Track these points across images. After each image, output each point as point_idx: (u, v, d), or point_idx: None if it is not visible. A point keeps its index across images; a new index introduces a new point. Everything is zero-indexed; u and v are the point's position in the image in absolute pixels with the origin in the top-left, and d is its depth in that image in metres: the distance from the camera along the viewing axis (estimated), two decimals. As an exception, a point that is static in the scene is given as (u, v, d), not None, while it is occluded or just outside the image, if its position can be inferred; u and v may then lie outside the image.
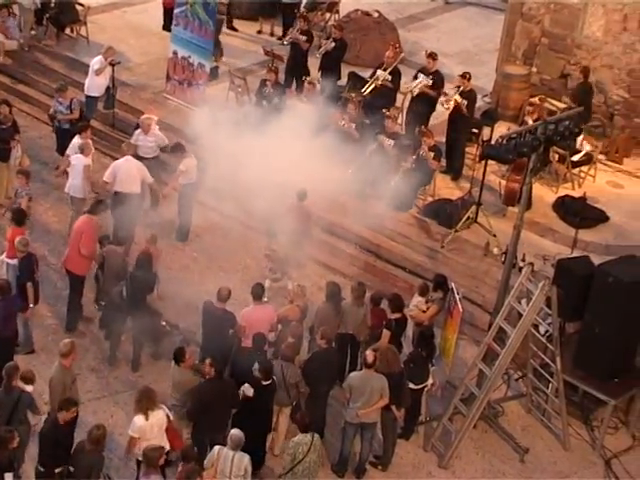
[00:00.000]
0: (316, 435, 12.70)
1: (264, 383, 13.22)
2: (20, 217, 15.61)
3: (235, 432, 12.31)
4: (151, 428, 12.56)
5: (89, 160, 17.27)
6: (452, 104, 18.87)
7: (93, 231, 15.63)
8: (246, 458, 12.25)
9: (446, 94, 19.14)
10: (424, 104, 19.65)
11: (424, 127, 18.91)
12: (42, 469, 12.29)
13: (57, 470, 12.24)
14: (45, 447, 12.26)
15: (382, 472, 14.12)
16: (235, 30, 24.70)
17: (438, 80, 19.61)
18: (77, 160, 17.23)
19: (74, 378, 13.29)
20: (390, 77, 20.04)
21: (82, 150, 17.24)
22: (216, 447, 12.36)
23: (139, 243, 16.59)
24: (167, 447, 12.63)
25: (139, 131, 18.21)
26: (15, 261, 15.17)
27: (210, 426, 13.05)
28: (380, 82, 19.98)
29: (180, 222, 17.98)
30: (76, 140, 17.57)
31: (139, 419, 12.49)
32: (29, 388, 12.86)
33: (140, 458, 12.44)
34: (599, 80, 20.54)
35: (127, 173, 17.10)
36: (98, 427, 12.15)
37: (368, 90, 20.08)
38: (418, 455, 14.48)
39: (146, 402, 12.55)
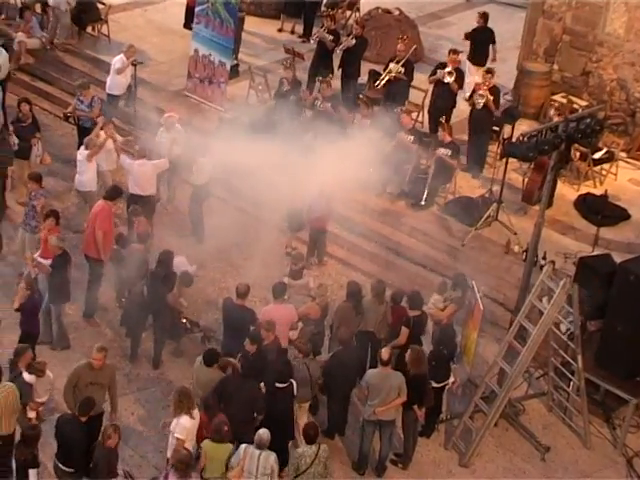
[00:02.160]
0: (322, 446, 12.58)
1: (279, 386, 13.21)
2: (55, 215, 15.75)
3: (261, 431, 12.29)
4: (194, 428, 12.56)
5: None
6: (484, 100, 18.83)
7: (107, 214, 15.86)
8: (272, 457, 12.24)
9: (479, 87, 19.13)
10: (446, 100, 19.67)
11: (444, 120, 18.92)
12: (62, 467, 12.35)
13: (72, 469, 12.31)
14: (62, 445, 12.34)
15: (403, 470, 14.10)
16: None
17: (459, 75, 19.66)
18: (82, 155, 17.33)
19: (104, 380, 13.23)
20: (402, 69, 20.07)
21: (86, 146, 17.31)
22: (242, 446, 12.34)
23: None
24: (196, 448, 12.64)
25: (162, 129, 18.25)
26: (49, 261, 15.29)
27: (230, 422, 12.93)
28: (393, 74, 19.99)
29: (192, 223, 18.02)
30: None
31: (186, 420, 12.41)
32: (27, 377, 12.87)
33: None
34: (621, 77, 20.47)
35: (143, 177, 17.18)
36: (111, 425, 12.24)
37: (382, 83, 20.09)
38: (439, 453, 14.46)
39: (187, 402, 12.49)
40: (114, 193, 16.20)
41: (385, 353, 13.45)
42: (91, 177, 17.45)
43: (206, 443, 12.47)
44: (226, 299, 14.75)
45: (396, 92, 20.23)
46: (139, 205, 16.84)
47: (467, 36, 21.48)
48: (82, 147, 17.47)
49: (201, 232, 17.87)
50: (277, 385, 13.20)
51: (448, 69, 19.62)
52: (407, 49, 20.36)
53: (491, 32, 21.33)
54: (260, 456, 12.20)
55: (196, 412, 12.61)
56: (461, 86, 19.77)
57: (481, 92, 18.92)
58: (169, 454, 12.62)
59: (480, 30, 21.32)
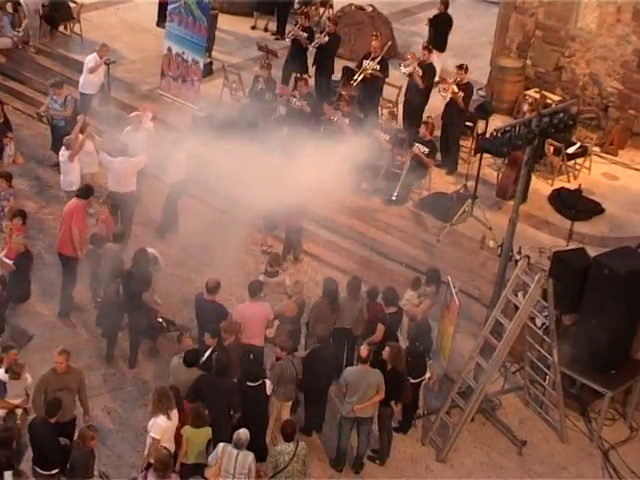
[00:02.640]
0: (301, 443, 12.61)
1: (250, 384, 13.21)
2: (22, 215, 15.85)
3: (241, 431, 12.28)
4: (172, 428, 12.53)
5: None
6: (450, 93, 18.89)
7: (82, 211, 15.80)
8: (250, 456, 12.24)
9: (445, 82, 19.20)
10: (417, 96, 19.71)
11: (427, 118, 19.01)
12: (39, 470, 12.29)
13: (53, 471, 12.26)
14: (36, 448, 12.30)
15: (380, 466, 14.13)
16: None
17: (429, 72, 19.71)
18: (64, 156, 17.26)
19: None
20: (378, 67, 20.10)
21: (67, 146, 17.23)
22: (220, 444, 12.34)
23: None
24: (173, 448, 12.63)
25: (129, 128, 18.19)
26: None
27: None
28: (369, 72, 20.02)
29: (162, 218, 17.97)
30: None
31: (163, 420, 12.38)
32: (0, 374, 12.87)
33: (150, 460, 12.30)
34: (593, 72, 20.58)
35: (123, 174, 17.13)
36: (89, 427, 12.24)
37: (358, 80, 20.11)
38: (416, 449, 14.49)
39: (166, 402, 12.45)
40: (87, 192, 16.06)
41: (364, 350, 13.47)
42: (76, 176, 17.36)
43: (186, 429, 12.58)
44: (198, 295, 14.74)
45: (371, 89, 20.24)
46: (118, 203, 16.84)
47: (430, 22, 21.78)
48: (63, 148, 17.33)
49: (175, 230, 17.84)
50: (248, 384, 13.21)
51: (407, 62, 19.78)
52: (382, 46, 20.37)
53: (450, 19, 21.63)
54: (238, 455, 12.19)
55: (174, 413, 12.56)
56: (430, 82, 19.74)
57: (442, 86, 19.03)
58: (146, 454, 12.61)
59: (440, 17, 21.66)
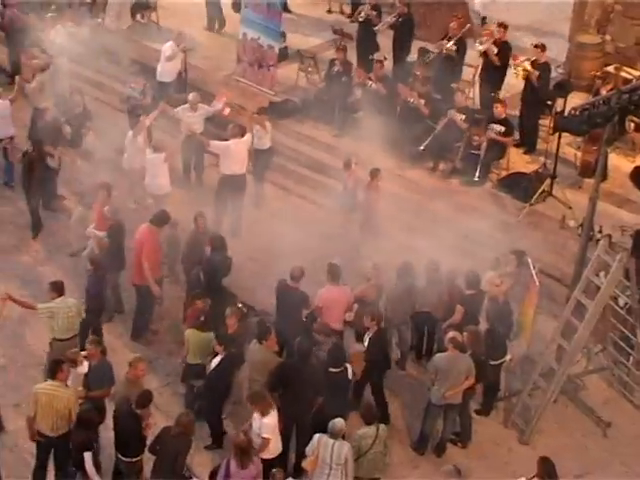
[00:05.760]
0: (381, 426, 12.56)
1: (333, 370, 13.23)
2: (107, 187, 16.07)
3: (336, 420, 12.22)
4: (275, 424, 12.53)
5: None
6: (521, 70, 18.69)
7: (153, 243, 15.26)
8: (346, 447, 12.18)
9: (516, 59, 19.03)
10: (493, 75, 19.55)
11: (497, 95, 18.80)
12: (122, 458, 12.45)
13: (135, 459, 12.41)
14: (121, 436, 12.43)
15: (462, 449, 14.08)
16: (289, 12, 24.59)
17: (506, 50, 19.48)
18: (157, 159, 17.25)
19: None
20: (455, 47, 19.94)
21: (156, 149, 17.26)
22: (316, 435, 12.32)
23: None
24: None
25: (185, 107, 18.43)
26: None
27: (293, 406, 13.00)
28: (445, 52, 19.86)
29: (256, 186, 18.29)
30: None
31: (268, 419, 12.38)
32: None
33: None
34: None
35: (239, 156, 17.39)
36: (187, 413, 12.34)
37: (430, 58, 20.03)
38: (498, 431, 14.41)
39: (263, 401, 12.45)
40: (162, 219, 15.52)
41: (456, 336, 13.36)
42: (166, 179, 17.47)
43: (190, 332, 13.72)
44: (280, 281, 14.71)
45: (448, 70, 20.10)
46: (235, 185, 17.12)
47: None
48: (149, 150, 17.38)
49: (260, 198, 18.10)
50: (331, 370, 13.22)
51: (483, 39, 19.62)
52: (460, 28, 20.17)
53: None
54: (334, 445, 12.15)
55: (273, 409, 12.54)
56: (505, 60, 19.52)
57: (514, 63, 18.84)
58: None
59: None
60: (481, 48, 19.50)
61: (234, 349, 13.47)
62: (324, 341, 13.62)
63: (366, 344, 13.88)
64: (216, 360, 13.31)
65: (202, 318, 13.93)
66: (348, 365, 13.38)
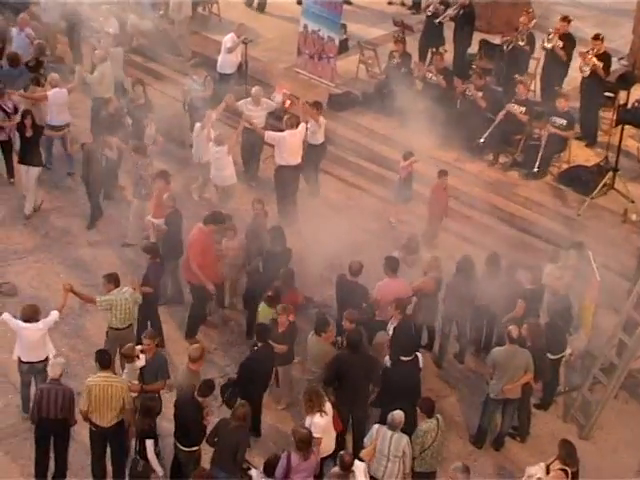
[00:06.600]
0: (439, 417, 12.54)
1: (404, 359, 13.21)
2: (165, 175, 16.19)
3: (395, 412, 12.20)
4: (330, 421, 12.55)
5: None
6: (589, 68, 18.50)
7: (203, 244, 15.05)
8: (404, 439, 12.18)
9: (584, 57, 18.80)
10: (557, 68, 19.37)
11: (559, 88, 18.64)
12: (182, 447, 12.54)
13: (194, 448, 12.50)
14: (181, 425, 12.51)
15: (520, 443, 14.02)
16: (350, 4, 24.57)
17: (570, 42, 19.29)
18: (220, 152, 17.37)
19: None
20: (525, 40, 19.78)
21: (219, 142, 17.36)
22: (375, 426, 12.35)
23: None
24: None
25: (248, 100, 18.55)
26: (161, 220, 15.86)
27: (349, 398, 13.04)
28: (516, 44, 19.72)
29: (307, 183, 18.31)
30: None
31: (319, 419, 12.35)
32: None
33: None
34: None
35: (295, 146, 17.50)
36: (243, 404, 12.33)
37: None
38: (557, 426, 14.32)
39: (317, 400, 12.42)
40: (216, 219, 15.36)
41: (514, 330, 13.27)
42: (232, 171, 17.64)
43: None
44: (340, 276, 14.77)
45: (516, 62, 19.95)
46: (290, 176, 17.22)
47: None
48: (212, 144, 17.48)
49: (316, 191, 18.17)
50: (402, 358, 13.20)
51: (550, 36, 19.33)
52: (529, 22, 19.99)
53: None
54: (392, 437, 12.15)
55: (328, 407, 12.55)
56: (570, 53, 19.34)
57: (583, 62, 18.60)
58: None
59: None
60: (548, 46, 19.26)
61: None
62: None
63: (390, 333, 13.86)
64: None
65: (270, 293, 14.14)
66: (419, 354, 13.41)
